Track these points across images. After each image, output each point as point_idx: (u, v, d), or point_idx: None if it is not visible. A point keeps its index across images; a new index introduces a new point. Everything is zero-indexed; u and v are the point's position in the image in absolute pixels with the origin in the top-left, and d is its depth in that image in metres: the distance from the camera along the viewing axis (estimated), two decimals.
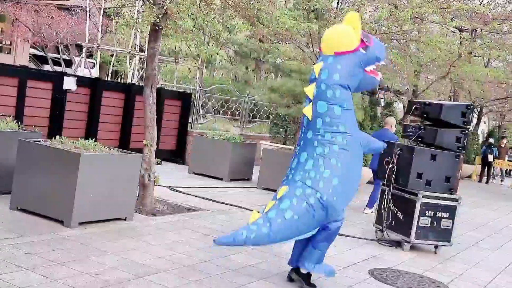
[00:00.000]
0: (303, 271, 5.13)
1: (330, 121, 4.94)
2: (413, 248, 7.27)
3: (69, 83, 10.22)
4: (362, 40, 5.02)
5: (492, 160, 20.83)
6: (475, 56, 17.56)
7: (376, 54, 5.13)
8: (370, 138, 5.46)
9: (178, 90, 15.24)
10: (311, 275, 5.13)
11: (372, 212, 9.39)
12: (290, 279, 5.22)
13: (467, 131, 7.31)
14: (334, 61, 4.99)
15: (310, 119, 5.01)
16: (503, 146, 22.88)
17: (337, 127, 4.95)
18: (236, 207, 8.47)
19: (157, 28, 7.06)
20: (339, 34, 5.09)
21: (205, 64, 21.30)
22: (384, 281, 5.65)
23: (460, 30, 16.44)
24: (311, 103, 5.01)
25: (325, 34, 5.29)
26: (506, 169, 22.94)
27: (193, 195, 8.81)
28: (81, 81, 10.74)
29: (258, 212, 4.96)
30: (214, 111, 16.49)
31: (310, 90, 5.04)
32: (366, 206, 9.80)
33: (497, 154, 21.74)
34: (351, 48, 4.99)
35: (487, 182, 21.05)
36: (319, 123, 4.97)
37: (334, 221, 4.99)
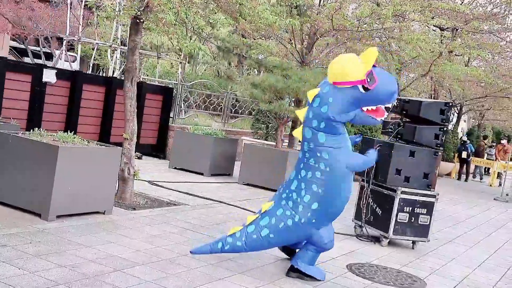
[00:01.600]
0: (297, 267, 5.28)
1: (314, 147, 5.05)
2: (391, 243, 7.34)
3: (48, 76, 10.12)
4: (365, 80, 4.81)
5: (467, 157, 21.06)
6: (455, 55, 17.75)
7: (379, 98, 4.92)
8: (358, 158, 5.32)
9: (160, 84, 15.16)
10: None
11: None
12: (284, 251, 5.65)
13: (445, 129, 7.40)
14: (328, 92, 4.95)
15: (301, 140, 5.20)
16: (483, 145, 23.15)
17: (320, 154, 5.03)
18: (216, 201, 8.46)
19: (138, 21, 7.01)
20: (343, 63, 4.92)
21: (187, 59, 21.21)
22: (362, 276, 5.70)
23: (441, 29, 16.61)
24: (301, 126, 5.18)
25: (336, 58, 5.16)
26: (485, 167, 23.20)
27: (174, 190, 8.79)
28: (61, 74, 10.64)
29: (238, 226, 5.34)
30: (196, 106, 16.45)
31: (301, 113, 5.19)
32: None
33: (474, 151, 22.02)
34: (350, 80, 4.84)
35: (466, 180, 21.31)
36: (306, 147, 5.14)
37: (323, 243, 5.23)
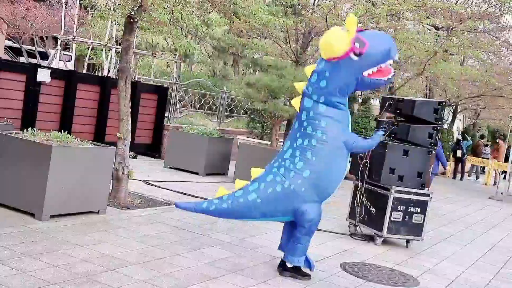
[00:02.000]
0: (288, 264, 5.25)
1: (314, 115, 5.08)
2: (385, 242, 7.36)
3: (43, 75, 10.10)
4: (353, 47, 4.84)
5: (461, 156, 21.11)
6: (450, 54, 17.77)
7: (375, 58, 4.91)
8: (359, 139, 5.32)
9: (155, 84, 15.15)
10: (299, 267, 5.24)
11: None
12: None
13: (439, 128, 7.42)
14: (324, 67, 5.03)
15: (298, 110, 5.20)
16: (481, 145, 23.21)
17: (319, 122, 5.06)
18: None
19: (132, 20, 7.01)
20: (330, 39, 4.98)
21: (182, 58, 21.20)
22: (355, 275, 5.72)
23: (436, 28, 16.65)
24: (300, 96, 5.20)
25: (322, 37, 5.22)
26: (480, 166, 23.25)
27: (168, 189, 8.79)
28: (56, 74, 10.63)
29: (226, 189, 5.31)
30: (191, 105, 16.45)
31: (300, 86, 5.22)
32: None
33: (470, 150, 22.09)
34: (338, 54, 4.88)
35: (461, 179, 21.36)
36: (304, 116, 5.14)
37: (307, 221, 5.10)
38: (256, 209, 5.13)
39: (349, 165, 5.36)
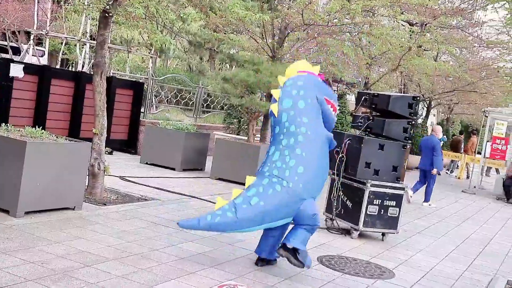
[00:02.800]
0: (289, 245, 5.15)
1: (294, 114, 5.22)
2: (361, 235, 7.45)
3: (16, 70, 9.94)
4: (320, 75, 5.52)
5: None
6: (424, 49, 18.02)
7: (330, 94, 5.57)
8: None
9: (131, 79, 15.03)
10: (297, 250, 5.15)
11: (429, 205, 11.84)
12: (259, 262, 5.43)
13: (413, 122, 7.52)
14: (297, 76, 5.41)
15: (276, 115, 5.30)
16: (461, 140, 23.58)
17: (300, 119, 5.20)
18: (188, 196, 8.45)
19: (107, 15, 6.94)
20: (299, 63, 5.59)
21: (158, 54, 21.05)
22: (332, 268, 5.78)
23: (410, 24, 16.83)
24: (277, 102, 5.32)
25: (286, 70, 5.61)
26: (452, 160, 23.59)
27: (145, 185, 8.75)
28: (29, 69, 10.46)
29: (223, 199, 5.14)
30: (167, 100, 16.37)
31: (277, 92, 5.38)
32: (424, 201, 11.92)
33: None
34: (311, 71, 5.49)
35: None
36: (285, 117, 5.25)
37: (309, 218, 5.14)
38: (261, 213, 4.98)
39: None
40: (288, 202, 5.06)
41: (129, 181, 8.91)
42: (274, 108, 5.34)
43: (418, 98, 7.67)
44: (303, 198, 5.10)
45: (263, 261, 5.44)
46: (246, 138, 11.69)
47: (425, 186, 11.93)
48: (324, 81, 5.57)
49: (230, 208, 4.99)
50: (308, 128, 5.19)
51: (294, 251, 5.17)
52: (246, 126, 14.31)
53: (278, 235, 5.38)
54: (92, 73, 7.39)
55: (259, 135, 12.62)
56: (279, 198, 5.03)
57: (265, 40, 11.96)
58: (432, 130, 12.44)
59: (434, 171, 11.56)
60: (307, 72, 5.46)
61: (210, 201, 8.29)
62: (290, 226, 5.33)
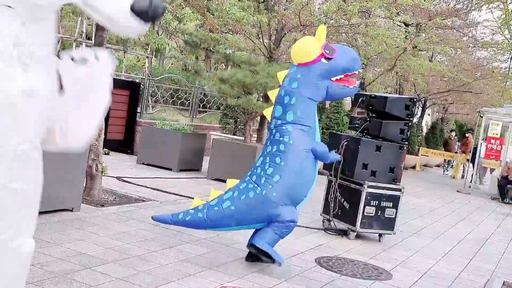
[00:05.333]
0: (257, 246, 5.22)
1: (281, 123, 5.31)
2: (358, 236, 7.48)
3: None
4: (323, 52, 5.25)
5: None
6: (419, 50, 18.10)
7: (343, 65, 5.31)
8: (325, 148, 5.51)
9: (127, 79, 15.01)
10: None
11: None
12: (249, 258, 5.48)
13: (410, 123, 7.56)
14: (296, 71, 5.36)
15: (269, 120, 5.44)
16: (452, 138, 23.68)
17: (285, 128, 5.28)
18: (185, 197, 8.46)
19: None
20: (301, 46, 5.43)
21: (154, 53, 21.01)
22: (330, 269, 5.81)
23: (406, 25, 16.90)
24: (272, 106, 5.44)
25: (294, 45, 5.66)
26: (448, 160, 23.70)
27: (142, 186, 8.76)
28: None
29: (201, 200, 5.46)
30: (163, 100, 16.36)
31: (273, 94, 5.47)
32: None
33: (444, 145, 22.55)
34: (310, 59, 5.27)
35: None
36: (273, 124, 5.38)
37: (280, 222, 5.17)
38: (230, 217, 5.24)
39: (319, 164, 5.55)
40: (259, 208, 5.18)
41: (126, 181, 8.91)
42: (267, 113, 5.50)
43: (415, 100, 7.71)
44: (276, 206, 5.16)
45: (252, 257, 5.46)
46: (243, 138, 11.71)
47: None
48: (327, 52, 5.24)
49: (202, 209, 5.32)
50: (291, 137, 5.23)
51: (262, 252, 5.25)
52: (242, 126, 14.33)
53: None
54: None
55: (256, 136, 12.65)
56: (250, 204, 5.20)
57: (261, 41, 12.00)
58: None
59: None
60: (305, 64, 5.28)
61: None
62: None
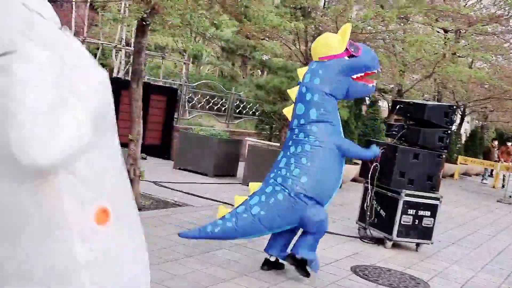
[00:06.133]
0: (298, 256, 5.20)
1: (305, 122, 5.18)
2: (395, 245, 7.37)
3: None
4: (347, 49, 5.18)
5: None
6: (459, 56, 17.76)
7: (364, 62, 5.24)
8: (352, 144, 5.55)
9: (164, 85, 15.22)
10: (306, 261, 5.20)
11: None
12: (265, 266, 5.43)
13: (449, 131, 7.42)
14: (317, 66, 5.24)
15: (290, 119, 5.32)
16: (494, 147, 23.15)
17: (310, 128, 5.16)
18: (220, 202, 8.50)
19: (144, 23, 7.06)
20: (324, 41, 5.31)
21: (191, 60, 21.27)
22: (366, 278, 5.74)
23: (445, 31, 16.62)
24: (292, 104, 5.31)
25: (316, 40, 5.52)
26: (490, 169, 23.14)
27: (178, 190, 8.84)
28: None
29: (225, 207, 5.31)
30: (200, 106, 16.50)
31: (293, 92, 5.34)
32: None
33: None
34: (337, 52, 5.18)
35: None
36: (295, 123, 5.24)
37: (318, 229, 5.15)
38: (262, 222, 5.11)
39: (344, 168, 5.44)
40: (290, 210, 5.10)
41: (163, 186, 9.02)
42: (287, 112, 5.35)
43: (454, 107, 7.57)
44: (306, 206, 5.09)
45: (269, 264, 5.44)
46: (278, 144, 11.70)
47: None
48: (352, 50, 5.19)
49: (231, 217, 5.13)
50: (317, 137, 5.13)
51: (302, 260, 5.22)
52: (277, 132, 14.32)
53: (288, 234, 5.37)
54: (127, 78, 7.51)
55: None
56: (280, 207, 5.09)
57: (298, 47, 11.98)
58: None
59: None
60: (328, 57, 5.19)
61: None
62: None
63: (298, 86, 5.32)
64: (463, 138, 27.09)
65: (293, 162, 5.16)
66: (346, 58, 5.18)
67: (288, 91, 5.45)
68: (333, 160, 5.20)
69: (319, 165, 5.12)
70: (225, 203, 8.47)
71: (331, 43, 5.21)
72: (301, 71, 5.36)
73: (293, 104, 5.32)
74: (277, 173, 5.23)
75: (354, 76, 5.23)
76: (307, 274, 5.26)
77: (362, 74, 5.27)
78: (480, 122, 31.37)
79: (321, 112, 5.16)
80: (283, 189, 5.12)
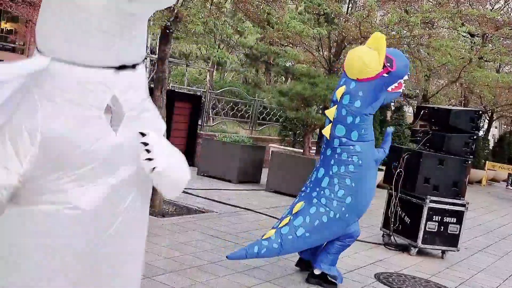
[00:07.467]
0: (317, 271, 5.28)
1: (347, 142, 5.15)
2: (420, 252, 7.28)
3: None
4: (384, 66, 5.06)
5: None
6: (485, 61, 17.51)
7: (399, 74, 5.19)
8: (381, 152, 5.48)
9: (188, 92, 15.33)
10: (326, 274, 5.27)
11: None
12: (299, 266, 5.60)
13: (475, 137, 7.32)
14: (356, 87, 5.11)
15: (329, 138, 5.26)
16: None
17: (354, 147, 5.14)
18: (244, 209, 8.52)
19: (167, 31, 7.14)
20: (362, 60, 5.09)
21: (215, 67, 21.39)
22: (390, 285, 5.68)
23: (471, 35, 16.41)
24: (330, 124, 5.23)
25: (349, 55, 5.35)
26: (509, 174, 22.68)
27: (202, 197, 8.88)
28: None
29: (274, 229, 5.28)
30: (223, 113, 16.58)
31: (331, 112, 5.25)
32: None
33: None
34: (373, 75, 5.07)
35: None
36: (337, 143, 5.20)
37: (349, 238, 5.27)
38: (305, 243, 5.20)
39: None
40: (333, 230, 5.19)
41: (186, 193, 9.07)
42: (326, 132, 5.28)
43: (480, 113, 7.47)
44: (349, 225, 5.21)
45: (302, 263, 5.53)
46: (302, 150, 11.69)
47: None
48: (389, 65, 5.07)
49: (276, 239, 5.15)
50: (360, 157, 5.13)
51: (323, 275, 5.26)
52: (301, 139, 14.30)
53: None
54: (151, 86, 7.59)
55: (315, 148, 12.59)
56: (325, 229, 5.15)
57: (321, 53, 11.97)
58: None
59: None
60: (368, 79, 5.07)
61: (265, 214, 8.32)
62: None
63: (335, 105, 5.21)
64: (491, 144, 26.65)
65: (337, 182, 5.15)
66: (385, 75, 5.10)
67: (326, 112, 5.37)
68: (373, 176, 5.29)
69: (362, 185, 5.17)
70: (249, 209, 8.50)
71: (369, 64, 5.04)
72: (339, 91, 5.19)
73: (331, 124, 5.22)
74: (320, 193, 5.21)
75: (390, 89, 5.21)
76: (332, 284, 5.27)
77: (397, 84, 5.25)
78: (509, 127, 30.82)
79: (362, 132, 5.16)
80: (328, 210, 5.13)
